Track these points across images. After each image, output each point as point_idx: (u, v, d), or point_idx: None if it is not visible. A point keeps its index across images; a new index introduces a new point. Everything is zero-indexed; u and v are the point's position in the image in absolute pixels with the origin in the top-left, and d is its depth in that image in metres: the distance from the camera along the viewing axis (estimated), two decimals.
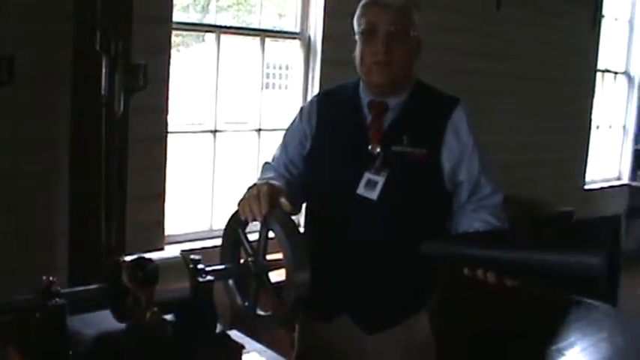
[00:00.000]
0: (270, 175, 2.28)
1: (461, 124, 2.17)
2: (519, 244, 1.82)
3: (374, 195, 2.12)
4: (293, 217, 1.98)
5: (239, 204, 2.00)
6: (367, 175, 2.14)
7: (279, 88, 15.71)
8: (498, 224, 2.11)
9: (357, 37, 2.20)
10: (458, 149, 2.15)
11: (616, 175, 8.02)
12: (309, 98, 4.51)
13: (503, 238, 1.94)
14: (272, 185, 2.03)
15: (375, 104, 2.21)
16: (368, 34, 2.14)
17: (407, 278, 2.17)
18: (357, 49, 2.20)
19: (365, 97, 2.25)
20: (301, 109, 2.45)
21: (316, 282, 1.91)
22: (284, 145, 2.39)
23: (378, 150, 2.15)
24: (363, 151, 2.17)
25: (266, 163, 2.42)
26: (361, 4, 2.20)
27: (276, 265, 1.94)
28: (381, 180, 2.12)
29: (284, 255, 1.88)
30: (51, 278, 1.60)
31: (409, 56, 2.17)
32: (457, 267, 1.94)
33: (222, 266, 1.98)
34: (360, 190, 2.14)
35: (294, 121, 2.42)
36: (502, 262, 1.82)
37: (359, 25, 2.18)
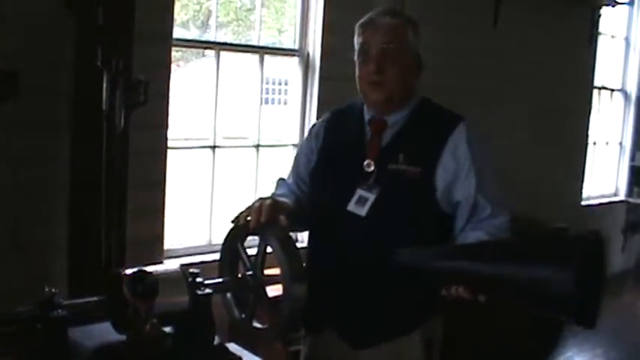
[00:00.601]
0: (282, 191, 2.35)
1: (460, 143, 2.15)
2: (491, 257, 1.80)
3: (363, 211, 2.14)
4: (299, 234, 2.03)
5: (238, 215, 2.04)
6: (359, 192, 2.17)
7: (279, 103, 15.79)
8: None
9: (355, 56, 2.25)
10: (453, 168, 2.13)
11: (613, 191, 8.05)
12: (307, 114, 4.55)
13: (476, 252, 1.90)
14: (276, 201, 2.08)
15: (374, 121, 2.25)
16: (362, 54, 2.19)
17: (394, 297, 2.16)
18: (357, 67, 2.24)
19: (367, 115, 2.28)
20: (312, 126, 2.51)
21: (311, 296, 1.96)
22: (296, 162, 2.45)
23: (372, 167, 2.17)
24: (359, 168, 2.19)
25: (280, 179, 2.47)
26: (357, 24, 2.24)
27: (273, 280, 1.97)
28: (372, 197, 2.14)
29: (281, 269, 1.92)
30: (53, 290, 1.63)
31: (404, 74, 2.19)
32: (429, 279, 1.97)
33: (220, 280, 2.02)
34: (351, 206, 2.16)
35: (306, 138, 2.49)
36: (472, 275, 1.80)
37: (356, 45, 2.23)
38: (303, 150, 2.44)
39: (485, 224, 2.11)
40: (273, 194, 2.34)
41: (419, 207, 2.15)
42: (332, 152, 2.32)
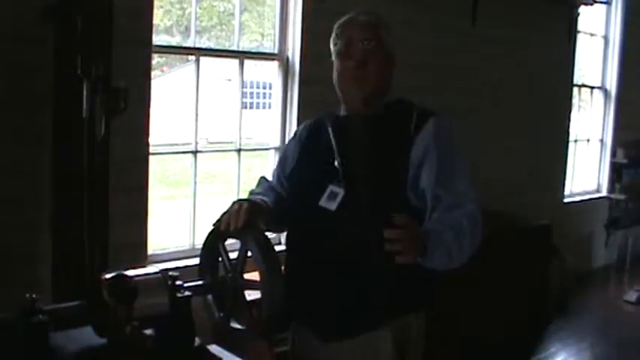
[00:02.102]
0: (261, 189, 2.42)
1: (427, 136, 2.18)
2: None
3: (333, 206, 2.18)
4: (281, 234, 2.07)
5: (220, 217, 2.09)
6: (330, 187, 2.21)
7: (262, 107, 15.79)
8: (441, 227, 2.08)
9: (333, 57, 2.30)
10: (419, 161, 2.16)
11: (595, 187, 8.12)
12: (288, 118, 4.58)
13: None
14: (253, 203, 2.14)
15: (342, 119, 2.33)
16: (344, 51, 2.24)
17: (364, 290, 2.18)
18: (335, 67, 2.29)
19: (342, 113, 2.34)
20: (294, 133, 2.59)
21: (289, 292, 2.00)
22: (279, 162, 2.54)
23: (339, 162, 2.22)
24: (330, 164, 2.24)
25: (262, 177, 2.54)
26: (336, 25, 2.30)
27: (252, 284, 2.01)
28: (341, 192, 2.18)
29: (259, 272, 1.95)
30: (34, 295, 1.65)
31: (383, 71, 2.26)
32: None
33: (200, 282, 2.05)
34: (322, 201, 2.21)
35: (290, 140, 2.58)
36: None
37: (335, 44, 2.28)
38: (287, 151, 2.51)
39: (445, 216, 2.12)
40: (251, 192, 2.43)
41: (386, 199, 2.17)
42: (308, 153, 2.38)
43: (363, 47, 2.21)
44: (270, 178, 2.54)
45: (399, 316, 2.24)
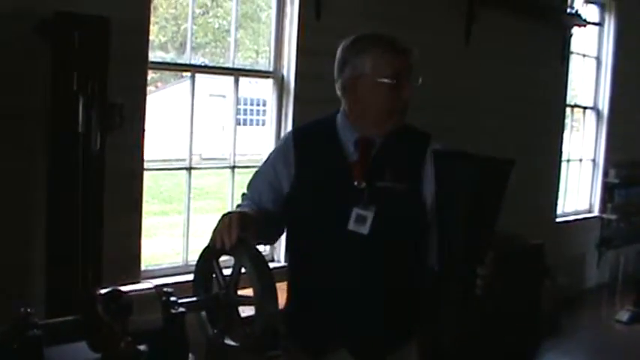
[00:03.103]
0: (246, 203, 2.37)
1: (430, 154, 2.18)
2: None
3: (365, 230, 2.16)
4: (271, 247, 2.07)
5: (213, 233, 2.09)
6: (356, 211, 2.17)
7: (256, 124, 15.84)
8: None
9: (367, 75, 2.20)
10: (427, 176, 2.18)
11: (587, 207, 8.15)
12: (282, 135, 4.59)
13: None
14: (244, 214, 2.12)
15: (362, 141, 2.25)
16: (392, 82, 2.18)
17: (396, 308, 2.23)
18: (367, 91, 2.21)
19: (349, 134, 2.27)
20: (276, 148, 2.50)
21: (310, 318, 2.10)
22: (260, 182, 2.41)
23: (364, 185, 2.19)
24: (349, 187, 2.20)
25: (243, 193, 2.47)
26: (379, 46, 2.22)
27: (246, 300, 2.01)
28: (370, 215, 2.16)
29: (252, 287, 1.96)
30: (28, 310, 1.66)
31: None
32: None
33: (194, 299, 2.05)
34: (351, 225, 2.17)
35: (268, 157, 2.46)
36: None
37: (376, 68, 2.19)
38: (268, 176, 2.39)
39: None
40: (239, 205, 2.39)
41: (412, 221, 2.20)
42: (311, 173, 2.29)
43: (411, 86, 2.22)
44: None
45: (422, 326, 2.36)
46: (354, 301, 2.21)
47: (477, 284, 2.01)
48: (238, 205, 2.40)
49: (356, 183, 2.19)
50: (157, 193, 12.20)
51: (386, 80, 2.17)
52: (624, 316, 6.76)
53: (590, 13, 7.59)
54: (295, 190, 2.31)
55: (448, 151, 2.13)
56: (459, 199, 2.02)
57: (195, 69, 4.29)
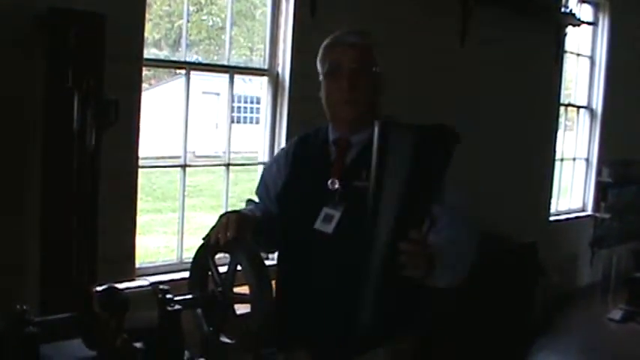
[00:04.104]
0: (250, 207, 2.40)
1: (429, 157, 2.12)
2: None
3: (329, 229, 2.16)
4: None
5: (210, 231, 2.10)
6: (325, 210, 2.18)
7: (249, 122, 15.85)
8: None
9: (321, 78, 2.28)
10: (429, 182, 2.12)
11: (580, 206, 8.18)
12: (277, 133, 4.60)
13: None
14: (242, 214, 2.14)
15: (339, 141, 2.28)
16: (333, 72, 2.22)
17: (361, 311, 2.13)
18: (323, 89, 2.28)
19: (332, 135, 2.32)
20: (280, 150, 2.57)
21: (280, 316, 2.03)
22: (262, 182, 2.49)
23: (337, 185, 2.19)
24: (324, 187, 2.21)
25: (249, 200, 2.51)
26: (323, 45, 2.29)
27: (242, 298, 2.02)
28: (337, 214, 2.16)
29: (249, 285, 1.96)
30: (24, 307, 1.66)
31: (373, 93, 2.24)
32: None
33: (190, 296, 2.06)
34: (317, 224, 2.18)
35: (272, 162, 2.54)
36: None
37: (323, 65, 2.27)
38: (270, 174, 2.46)
39: (448, 232, 2.09)
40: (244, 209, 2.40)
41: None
42: (298, 175, 2.34)
43: (353, 69, 2.19)
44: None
45: (394, 339, 2.23)
46: (319, 301, 2.19)
47: (398, 260, 1.89)
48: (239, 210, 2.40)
49: (329, 182, 2.21)
50: (150, 190, 12.20)
51: (327, 72, 2.24)
52: (617, 314, 6.79)
53: (585, 12, 7.62)
54: (283, 190, 2.36)
55: (391, 121, 2.07)
56: (395, 170, 2.01)
57: (190, 66, 4.29)
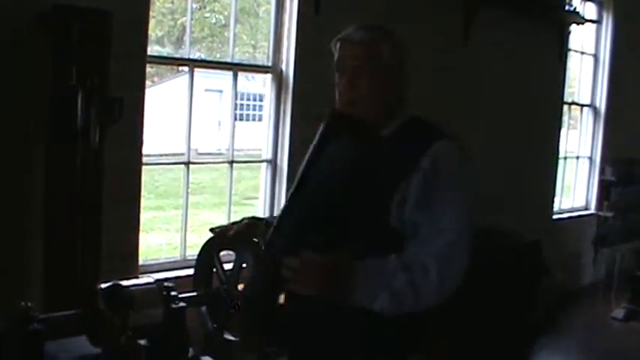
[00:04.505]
0: None
1: (434, 163, 1.97)
2: None
3: None
4: None
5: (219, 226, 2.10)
6: None
7: (252, 119, 15.87)
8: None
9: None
10: (418, 187, 1.95)
11: (584, 204, 8.17)
12: (281, 131, 4.59)
13: None
14: (259, 219, 2.15)
15: None
16: (337, 70, 2.12)
17: (347, 326, 2.00)
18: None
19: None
20: None
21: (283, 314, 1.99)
22: None
23: None
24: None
25: None
26: (333, 40, 2.16)
27: None
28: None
29: None
30: (29, 304, 1.66)
31: (380, 91, 2.09)
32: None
33: (194, 293, 2.06)
34: None
35: None
36: None
37: (334, 59, 2.15)
38: None
39: (409, 253, 1.91)
40: None
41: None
42: None
43: (353, 68, 2.07)
44: None
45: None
46: (305, 311, 2.03)
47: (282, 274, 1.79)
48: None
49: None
50: (153, 187, 12.21)
51: (334, 68, 2.14)
52: (620, 313, 6.78)
53: (589, 10, 7.61)
54: None
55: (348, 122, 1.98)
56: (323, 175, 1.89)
57: (193, 63, 4.29)
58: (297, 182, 1.92)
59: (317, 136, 1.92)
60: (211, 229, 2.11)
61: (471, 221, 1.98)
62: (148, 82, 3.99)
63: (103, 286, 1.75)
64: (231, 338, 2.08)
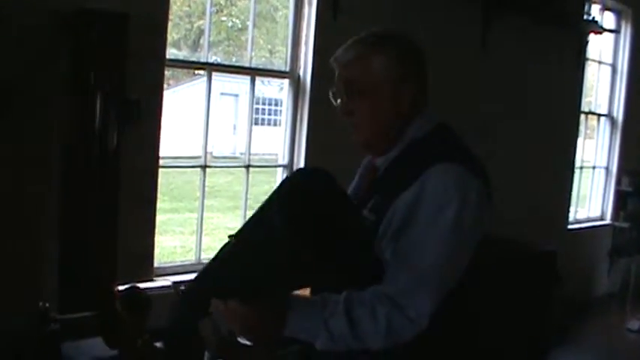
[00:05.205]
0: None
1: (421, 189, 1.73)
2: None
3: None
4: None
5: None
6: None
7: (267, 124, 15.89)
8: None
9: None
10: (398, 216, 1.76)
11: (599, 215, 8.12)
12: (297, 136, 4.60)
13: None
14: None
15: (370, 164, 2.04)
16: (332, 94, 1.94)
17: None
18: None
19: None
20: None
21: None
22: None
23: None
24: None
25: None
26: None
27: None
28: None
29: None
30: (46, 305, 1.66)
31: (377, 112, 1.86)
32: None
33: None
34: None
35: None
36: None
37: None
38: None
39: (361, 292, 1.70)
40: None
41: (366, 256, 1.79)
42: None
43: (346, 89, 1.86)
44: None
45: None
46: None
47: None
48: None
49: None
50: (167, 190, 12.24)
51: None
52: (635, 324, 6.73)
53: (607, 20, 7.57)
54: None
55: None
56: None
57: (211, 67, 4.29)
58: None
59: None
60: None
61: (452, 258, 1.73)
62: (164, 86, 4.00)
63: (120, 288, 1.75)
64: (245, 343, 2.07)
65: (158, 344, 1.81)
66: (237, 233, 1.74)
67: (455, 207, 1.70)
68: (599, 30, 6.99)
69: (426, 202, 1.71)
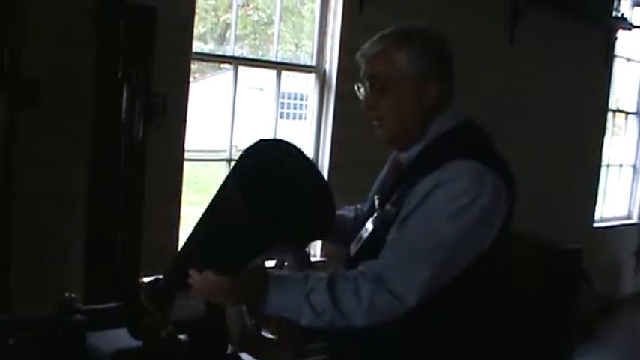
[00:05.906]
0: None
1: (435, 183, 1.74)
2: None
3: (353, 251, 1.97)
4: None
5: None
6: (360, 232, 1.97)
7: (292, 118, 15.88)
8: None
9: None
10: (407, 207, 1.78)
11: (626, 214, 8.05)
12: (323, 130, 4.59)
13: None
14: None
15: (395, 159, 2.05)
16: (357, 85, 1.94)
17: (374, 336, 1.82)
18: None
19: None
20: None
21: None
22: None
23: (377, 208, 1.94)
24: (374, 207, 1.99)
25: None
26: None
27: None
28: (364, 237, 1.93)
29: None
30: (72, 295, 1.68)
31: (400, 107, 1.86)
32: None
33: None
34: (352, 244, 1.99)
35: None
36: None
37: None
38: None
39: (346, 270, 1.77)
40: None
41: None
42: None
43: (371, 85, 1.86)
44: None
45: None
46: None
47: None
48: None
49: (376, 204, 1.96)
50: (192, 183, 12.27)
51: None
52: None
53: (636, 16, 7.49)
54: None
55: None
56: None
57: (237, 61, 4.30)
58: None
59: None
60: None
61: (450, 245, 1.72)
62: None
63: (146, 279, 1.76)
64: (269, 336, 2.08)
65: (182, 336, 1.82)
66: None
67: (465, 200, 1.71)
68: (628, 26, 6.92)
69: (437, 193, 1.72)
